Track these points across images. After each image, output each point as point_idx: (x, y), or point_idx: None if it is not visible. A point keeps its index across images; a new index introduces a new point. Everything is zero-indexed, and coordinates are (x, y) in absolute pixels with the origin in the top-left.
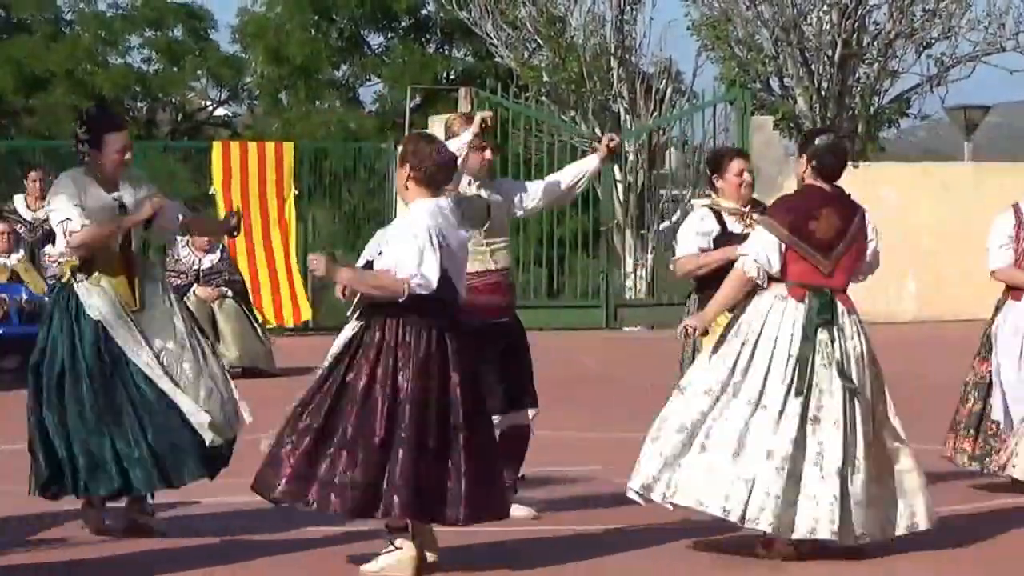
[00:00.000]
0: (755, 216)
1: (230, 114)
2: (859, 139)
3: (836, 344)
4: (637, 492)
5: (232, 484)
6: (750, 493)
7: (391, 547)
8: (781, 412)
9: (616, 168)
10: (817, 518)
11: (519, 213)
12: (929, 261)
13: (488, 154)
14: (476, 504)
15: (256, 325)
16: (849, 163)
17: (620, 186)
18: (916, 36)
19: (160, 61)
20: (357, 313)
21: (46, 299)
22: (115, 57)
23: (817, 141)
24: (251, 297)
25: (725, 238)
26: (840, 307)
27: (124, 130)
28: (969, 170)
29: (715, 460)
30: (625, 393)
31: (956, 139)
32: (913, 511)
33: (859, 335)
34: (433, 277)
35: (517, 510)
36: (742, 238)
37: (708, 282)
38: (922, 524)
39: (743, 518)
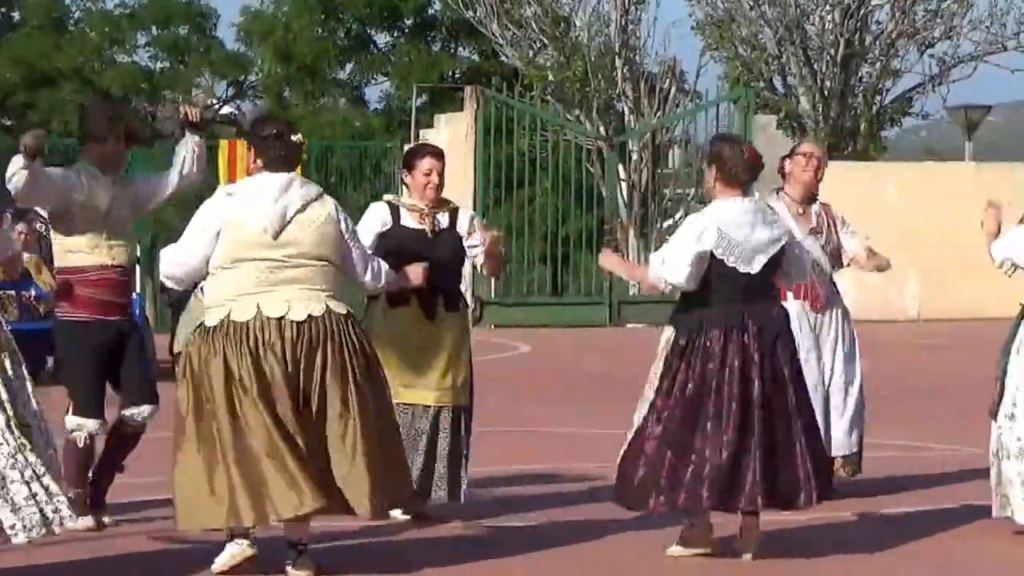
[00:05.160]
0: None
1: (236, 112)
2: (861, 138)
3: None
4: None
5: None
6: None
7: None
8: None
9: (620, 167)
10: None
11: None
12: (930, 260)
13: None
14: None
15: None
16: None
17: (624, 185)
18: (918, 36)
19: (166, 59)
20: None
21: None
22: (122, 55)
23: None
24: None
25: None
26: None
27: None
28: (970, 169)
29: None
30: (628, 390)
31: (957, 138)
32: None
33: None
34: None
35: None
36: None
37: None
38: None
39: None
